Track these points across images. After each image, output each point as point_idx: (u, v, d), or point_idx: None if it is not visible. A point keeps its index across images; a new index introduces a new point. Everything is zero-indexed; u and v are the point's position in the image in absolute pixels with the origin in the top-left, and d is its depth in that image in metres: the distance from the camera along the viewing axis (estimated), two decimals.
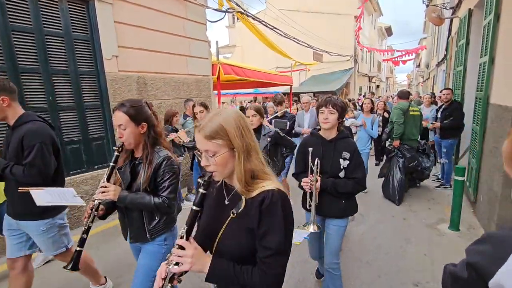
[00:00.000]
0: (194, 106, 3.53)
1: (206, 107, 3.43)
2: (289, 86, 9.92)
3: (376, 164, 6.62)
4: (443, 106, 4.97)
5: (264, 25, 8.17)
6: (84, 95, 3.83)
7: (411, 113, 4.51)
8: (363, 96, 9.52)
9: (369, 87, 25.74)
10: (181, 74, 5.24)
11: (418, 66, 33.38)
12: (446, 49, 9.06)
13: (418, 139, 4.75)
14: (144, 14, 4.44)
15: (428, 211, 4.06)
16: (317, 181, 1.90)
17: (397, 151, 4.52)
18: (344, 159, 1.93)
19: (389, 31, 31.67)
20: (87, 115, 3.89)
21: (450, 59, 7.88)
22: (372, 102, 5.07)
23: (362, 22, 16.87)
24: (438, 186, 5.01)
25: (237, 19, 8.80)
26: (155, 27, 4.64)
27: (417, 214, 3.96)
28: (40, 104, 3.39)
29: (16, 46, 3.13)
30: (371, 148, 5.04)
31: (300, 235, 1.83)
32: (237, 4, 7.03)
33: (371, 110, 4.99)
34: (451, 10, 7.04)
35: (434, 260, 2.84)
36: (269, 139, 2.77)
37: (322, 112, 1.93)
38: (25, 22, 3.19)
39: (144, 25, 4.47)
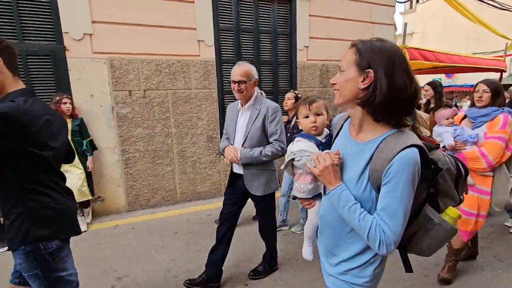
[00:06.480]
0: None
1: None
2: (499, 74, 7.45)
3: None
4: None
5: None
6: (279, 81, 4.51)
7: None
8: None
9: None
10: None
11: None
12: None
13: None
14: (333, 4, 4.63)
15: None
16: None
17: None
18: None
19: None
20: (279, 100, 4.56)
21: None
22: None
23: None
24: None
25: (417, 1, 7.45)
26: (341, 16, 4.73)
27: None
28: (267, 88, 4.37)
29: (242, 43, 4.10)
30: None
31: None
32: None
33: None
34: None
35: None
36: None
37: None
38: (249, 23, 4.11)
39: (332, 15, 4.65)
